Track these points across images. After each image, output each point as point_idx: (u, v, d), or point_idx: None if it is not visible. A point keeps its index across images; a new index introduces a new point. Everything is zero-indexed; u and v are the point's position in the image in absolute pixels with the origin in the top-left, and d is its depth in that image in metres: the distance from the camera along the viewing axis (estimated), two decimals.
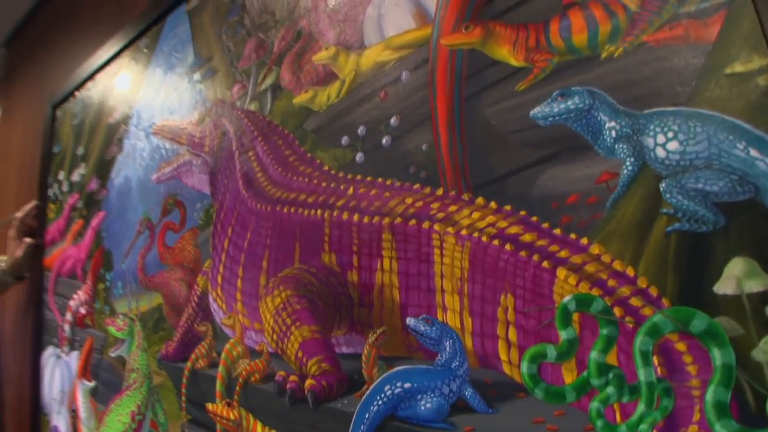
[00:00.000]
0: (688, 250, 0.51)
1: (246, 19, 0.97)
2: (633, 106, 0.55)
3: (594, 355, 0.54)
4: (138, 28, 1.17)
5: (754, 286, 0.47)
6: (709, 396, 0.48)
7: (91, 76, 1.32)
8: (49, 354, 1.36)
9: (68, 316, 1.29)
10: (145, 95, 1.16)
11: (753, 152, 0.48)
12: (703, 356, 0.49)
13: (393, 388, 0.69)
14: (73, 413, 1.23)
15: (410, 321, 0.68)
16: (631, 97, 0.55)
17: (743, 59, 0.50)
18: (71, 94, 1.39)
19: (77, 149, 1.35)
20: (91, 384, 1.19)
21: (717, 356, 0.48)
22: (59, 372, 1.30)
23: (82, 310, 1.24)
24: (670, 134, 0.53)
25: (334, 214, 0.78)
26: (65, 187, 1.37)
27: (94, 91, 1.31)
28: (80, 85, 1.36)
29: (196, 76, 1.04)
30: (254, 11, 0.96)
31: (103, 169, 1.23)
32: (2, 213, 1.51)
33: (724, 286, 0.49)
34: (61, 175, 1.39)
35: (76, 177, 1.32)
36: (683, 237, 0.51)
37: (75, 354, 1.25)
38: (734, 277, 0.49)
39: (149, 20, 1.16)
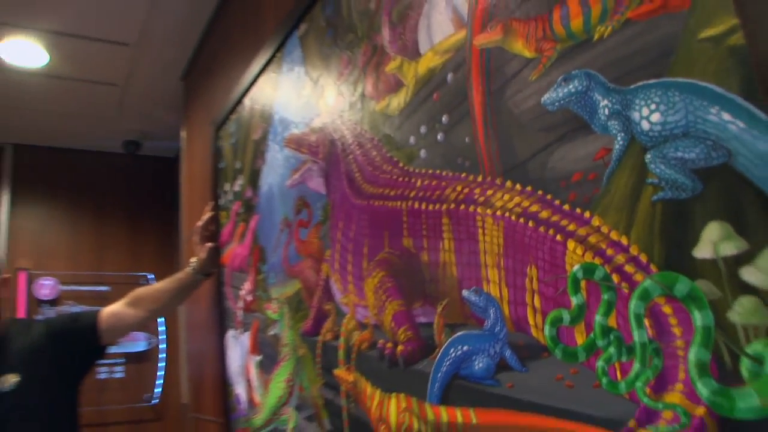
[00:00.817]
0: (671, 217, 0.54)
1: (338, 40, 1.11)
2: (623, 82, 0.58)
3: (598, 318, 0.59)
4: (266, 56, 1.39)
5: (728, 249, 0.50)
6: (692, 356, 0.51)
7: (239, 100, 1.58)
8: (229, 336, 1.66)
9: (240, 303, 1.56)
10: (278, 112, 1.37)
11: (725, 115, 0.50)
12: (686, 318, 0.52)
13: (456, 351, 0.79)
14: (248, 382, 1.50)
15: (464, 293, 0.77)
16: (621, 73, 0.59)
17: (715, 22, 0.51)
18: (228, 116, 1.67)
19: (235, 164, 1.62)
20: (259, 358, 1.44)
21: (698, 318, 0.51)
22: (237, 350, 1.59)
23: (249, 298, 1.50)
24: (653, 106, 0.55)
25: (408, 204, 0.89)
26: (230, 197, 1.65)
27: (243, 112, 1.57)
28: (233, 109, 1.63)
29: (309, 92, 1.22)
30: (342, 31, 1.10)
31: (254, 179, 1.48)
32: (196, 217, 1.88)
33: (702, 251, 0.51)
34: (227, 187, 1.68)
35: (236, 187, 1.60)
36: (667, 205, 0.54)
37: (246, 334, 1.53)
38: (710, 242, 0.51)
39: (275, 46, 1.36)
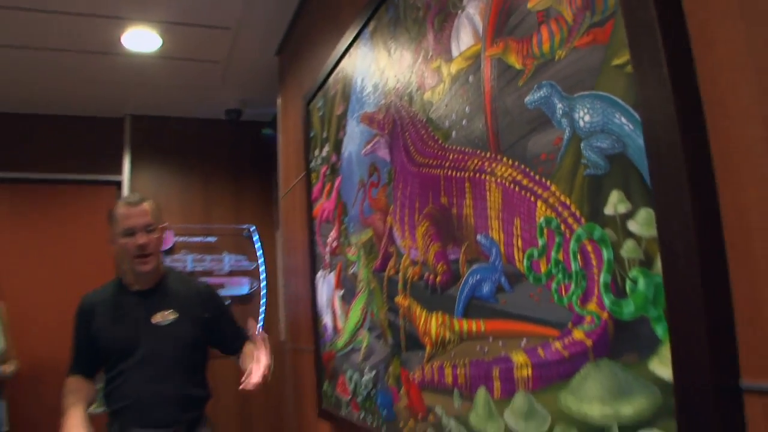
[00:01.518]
0: (593, 186, 0.80)
1: (397, 39, 1.40)
2: (571, 92, 0.84)
3: (552, 254, 0.87)
4: (345, 44, 1.70)
5: (621, 209, 0.76)
6: (601, 279, 0.79)
7: (325, 80, 1.90)
8: (319, 276, 2.04)
9: (327, 249, 1.92)
10: (354, 93, 1.68)
11: (623, 119, 0.76)
12: (599, 254, 0.79)
13: (472, 279, 1.08)
14: (333, 313, 1.87)
15: (478, 237, 1.06)
16: (570, 85, 0.84)
17: (620, 54, 0.76)
18: (316, 93, 2.00)
19: (323, 133, 1.95)
20: (342, 292, 1.80)
21: (605, 254, 0.78)
22: (325, 287, 1.97)
23: (334, 244, 1.85)
24: (585, 110, 0.81)
25: (444, 172, 1.18)
26: (319, 161, 2.00)
27: (328, 90, 1.89)
28: (320, 87, 1.95)
29: (378, 79, 1.52)
30: (400, 32, 1.38)
31: (338, 147, 1.81)
32: (291, 176, 2.23)
33: (608, 209, 0.78)
34: (316, 153, 2.02)
35: (324, 153, 1.94)
36: (591, 178, 0.80)
37: (332, 274, 1.89)
38: (613, 204, 0.77)
39: (351, 38, 1.66)
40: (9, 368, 2.75)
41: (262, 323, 3.44)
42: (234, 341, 1.95)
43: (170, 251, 3.38)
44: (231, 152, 3.56)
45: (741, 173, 0.64)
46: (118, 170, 3.44)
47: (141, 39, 2.60)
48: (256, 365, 1.67)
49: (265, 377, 1.66)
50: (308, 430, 2.27)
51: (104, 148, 3.45)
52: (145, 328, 1.82)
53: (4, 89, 3.08)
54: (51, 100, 3.25)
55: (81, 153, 3.43)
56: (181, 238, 3.43)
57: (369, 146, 1.58)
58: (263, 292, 3.47)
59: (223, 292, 3.35)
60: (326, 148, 1.93)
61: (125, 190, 3.40)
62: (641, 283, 0.73)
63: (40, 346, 3.16)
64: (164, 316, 1.85)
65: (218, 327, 1.93)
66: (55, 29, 2.48)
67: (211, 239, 3.46)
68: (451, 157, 1.16)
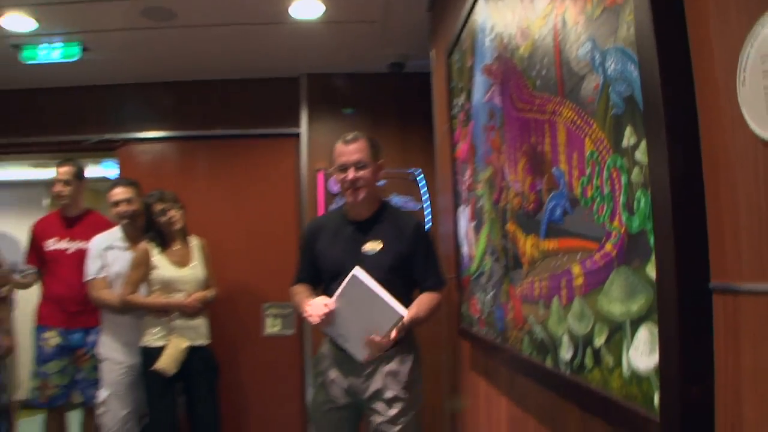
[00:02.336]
0: (616, 123, 0.97)
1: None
2: (603, 45, 0.99)
3: (594, 181, 1.05)
4: (469, 5, 1.90)
5: (631, 141, 0.92)
6: (621, 199, 0.96)
7: (459, 35, 2.11)
8: (459, 211, 2.30)
9: (464, 186, 2.18)
10: (477, 47, 1.88)
11: (631, 66, 0.91)
12: (620, 179, 0.96)
13: (550, 205, 1.28)
14: (468, 242, 2.14)
15: (553, 170, 1.25)
16: (602, 39, 1.00)
17: (629, 10, 0.91)
18: (454, 47, 2.22)
19: (459, 84, 2.18)
20: (474, 222, 2.06)
21: (623, 179, 0.95)
22: (463, 220, 2.23)
23: (468, 182, 2.10)
24: (612, 60, 0.97)
25: (533, 115, 1.37)
26: (458, 109, 2.23)
27: (462, 45, 2.10)
28: (456, 41, 2.16)
29: (492, 37, 1.70)
30: None
31: (469, 95, 2.02)
32: (441, 127, 2.49)
33: (624, 142, 0.94)
34: (455, 101, 2.25)
35: (461, 102, 2.16)
36: (615, 117, 0.97)
37: (468, 208, 2.14)
38: (627, 137, 0.93)
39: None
40: (211, 293, 3.44)
41: None
42: (422, 281, 2.13)
43: (338, 194, 3.85)
44: (396, 102, 3.89)
45: (717, 112, 0.78)
46: (297, 124, 3.94)
47: (306, 8, 3.00)
48: (385, 336, 1.92)
49: (377, 345, 1.94)
50: (455, 347, 2.60)
51: (284, 105, 3.96)
52: (354, 256, 2.09)
53: (201, 61, 3.70)
54: (237, 67, 3.82)
55: (264, 110, 3.98)
56: None
57: (488, 94, 1.79)
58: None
59: None
60: (462, 97, 2.16)
61: (303, 141, 3.92)
62: (642, 202, 0.89)
63: (232, 275, 3.78)
64: (372, 246, 2.11)
65: (412, 263, 2.11)
66: (237, 7, 2.98)
67: (380, 183, 3.86)
68: (536, 102, 1.35)
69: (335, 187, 3.78)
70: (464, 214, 2.22)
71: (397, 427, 2.11)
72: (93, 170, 6.00)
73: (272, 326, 3.89)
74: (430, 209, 3.77)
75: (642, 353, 0.91)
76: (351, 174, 2.08)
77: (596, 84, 1.03)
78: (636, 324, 0.93)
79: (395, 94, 3.90)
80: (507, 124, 1.60)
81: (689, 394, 0.81)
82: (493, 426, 1.98)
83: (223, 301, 3.56)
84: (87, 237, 3.43)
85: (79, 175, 3.47)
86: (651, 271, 0.88)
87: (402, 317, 1.91)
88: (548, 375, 1.33)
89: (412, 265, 2.13)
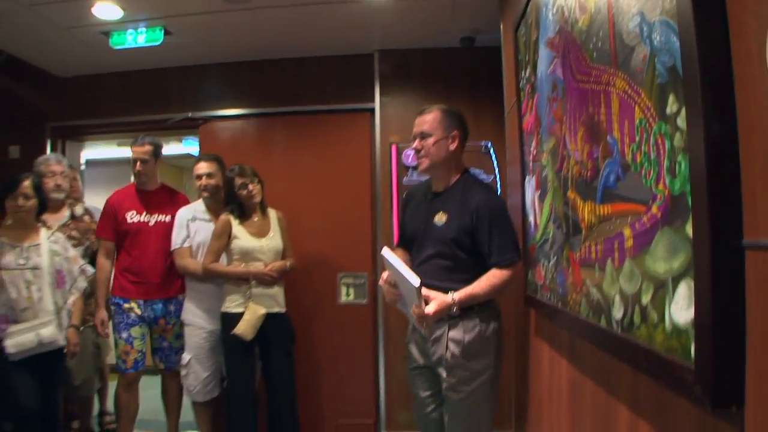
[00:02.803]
0: (661, 90, 1.02)
1: None
2: (650, 17, 1.04)
3: (643, 147, 1.11)
4: None
5: (674, 109, 0.97)
6: (665, 164, 1.02)
7: (525, 10, 2.15)
8: (526, 181, 2.35)
9: (530, 157, 2.23)
10: (542, 21, 1.92)
11: (674, 38, 0.96)
12: (664, 144, 1.01)
13: (605, 171, 1.34)
14: (534, 212, 2.20)
15: (608, 137, 1.31)
16: (650, 12, 1.04)
17: None
18: (520, 21, 2.25)
19: (526, 57, 2.22)
20: (539, 192, 2.11)
21: (667, 144, 1.01)
22: (530, 190, 2.28)
23: (534, 152, 2.15)
24: (657, 32, 1.02)
25: (590, 86, 1.42)
26: (524, 81, 2.27)
27: (527, 19, 2.14)
28: (522, 15, 2.20)
29: (554, 12, 1.74)
30: None
31: (535, 68, 2.06)
32: (510, 99, 2.53)
33: (668, 109, 0.99)
34: (522, 74, 2.29)
35: (527, 74, 2.21)
36: (660, 85, 1.02)
37: (533, 178, 2.20)
38: (670, 104, 0.99)
39: None
40: (288, 263, 3.65)
41: None
42: (488, 257, 2.15)
43: (416, 167, 3.94)
44: (468, 76, 3.92)
45: (751, 80, 0.83)
46: (371, 98, 4.05)
47: None
48: (417, 307, 2.01)
49: (417, 317, 2.04)
50: (521, 314, 2.67)
51: (358, 80, 4.08)
52: (427, 226, 2.24)
53: (277, 40, 3.87)
54: (312, 45, 3.97)
55: (338, 86, 4.11)
56: None
57: (551, 67, 1.83)
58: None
59: None
60: (528, 70, 2.21)
61: (377, 115, 4.05)
62: (683, 166, 0.95)
63: (308, 246, 3.96)
64: (439, 218, 2.21)
65: (476, 238, 2.15)
66: None
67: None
68: (593, 73, 1.40)
69: (408, 160, 3.90)
70: (530, 185, 2.28)
71: (459, 395, 2.21)
72: (175, 147, 6.40)
73: (346, 295, 4.06)
74: (500, 181, 3.82)
75: (681, 308, 0.98)
76: (416, 143, 2.21)
77: (644, 55, 1.08)
78: (677, 280, 0.99)
79: (467, 68, 3.94)
80: (568, 95, 1.65)
81: (721, 344, 0.87)
82: (554, 390, 2.06)
83: (299, 270, 3.75)
84: (164, 211, 3.58)
85: (156, 153, 3.59)
86: (689, 230, 0.94)
87: (416, 287, 1.95)
88: (602, 334, 1.40)
89: (477, 240, 2.16)
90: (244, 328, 3.29)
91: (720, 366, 0.87)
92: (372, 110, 4.08)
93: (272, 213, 3.65)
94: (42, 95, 4.49)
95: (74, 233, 3.61)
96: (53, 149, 4.48)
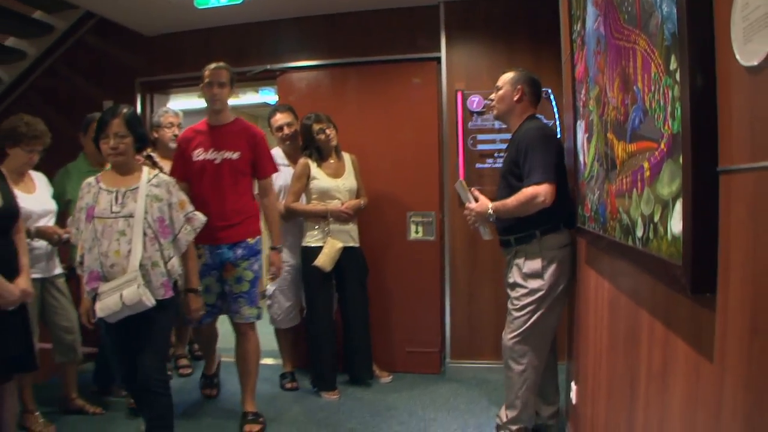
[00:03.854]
0: (667, 52, 1.28)
1: None
2: None
3: (656, 95, 1.38)
4: None
5: (674, 66, 1.24)
6: (668, 109, 1.29)
7: None
8: (578, 125, 2.60)
9: (581, 103, 2.48)
10: None
11: (674, 7, 1.22)
12: (669, 94, 1.29)
13: (632, 115, 1.62)
14: (583, 152, 2.46)
15: (634, 87, 1.58)
16: None
17: None
18: None
19: (577, 12, 2.43)
20: (587, 135, 2.37)
21: (670, 94, 1.28)
22: (580, 133, 2.54)
23: (584, 99, 2.40)
24: (666, 3, 1.28)
25: (623, 43, 1.68)
26: (575, 35, 2.49)
27: None
28: None
29: None
30: None
31: (584, 23, 2.29)
32: (566, 50, 2.75)
33: (670, 66, 1.26)
34: (575, 28, 2.51)
35: (578, 28, 2.43)
36: (667, 47, 1.28)
37: (583, 122, 2.45)
38: (672, 62, 1.25)
39: None
40: (362, 201, 4.01)
41: None
42: (524, 179, 2.69)
43: (481, 113, 4.21)
44: (530, 24, 4.09)
45: (726, 43, 1.09)
46: (437, 48, 4.29)
47: None
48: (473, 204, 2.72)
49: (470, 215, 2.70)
50: (574, 244, 2.96)
51: (424, 30, 4.32)
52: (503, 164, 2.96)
53: None
54: None
55: (406, 37, 4.37)
56: (490, 101, 4.21)
57: (596, 23, 2.07)
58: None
59: None
60: (579, 24, 2.43)
61: (443, 63, 4.28)
62: (678, 111, 1.23)
63: (379, 186, 4.32)
64: (504, 155, 2.95)
65: (520, 165, 2.72)
66: None
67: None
68: (625, 33, 1.65)
69: (473, 105, 4.17)
70: (581, 128, 2.54)
71: (518, 313, 2.76)
72: (252, 97, 6.84)
73: (415, 232, 4.41)
74: (560, 126, 4.02)
75: (677, 221, 1.27)
76: (492, 94, 2.90)
77: (657, 21, 1.34)
78: (674, 200, 1.28)
79: (528, 17, 4.11)
80: (608, 50, 1.90)
81: (699, 246, 1.17)
82: (599, 309, 2.37)
83: (371, 209, 4.14)
84: (234, 147, 3.23)
85: (232, 79, 3.31)
86: (681, 160, 1.23)
87: (459, 180, 2.94)
88: (630, 252, 1.70)
89: (520, 166, 2.70)
90: (323, 260, 3.70)
91: (697, 263, 1.17)
92: (438, 59, 4.33)
93: (346, 156, 4.00)
94: (131, 53, 5.01)
95: None
96: (142, 102, 5.01)
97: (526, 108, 2.91)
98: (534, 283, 2.75)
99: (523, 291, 2.78)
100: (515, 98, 2.87)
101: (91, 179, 2.74)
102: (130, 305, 2.49)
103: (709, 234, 1.15)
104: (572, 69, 2.67)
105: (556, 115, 4.03)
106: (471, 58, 4.28)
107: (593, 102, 2.22)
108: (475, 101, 4.19)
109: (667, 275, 1.35)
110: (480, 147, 4.22)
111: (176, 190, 2.79)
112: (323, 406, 3.72)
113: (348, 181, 3.92)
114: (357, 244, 3.94)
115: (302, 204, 3.87)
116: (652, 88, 1.41)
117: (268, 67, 4.69)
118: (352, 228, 3.91)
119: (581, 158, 2.56)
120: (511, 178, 2.77)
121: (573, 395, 2.88)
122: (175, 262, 2.72)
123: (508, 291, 2.90)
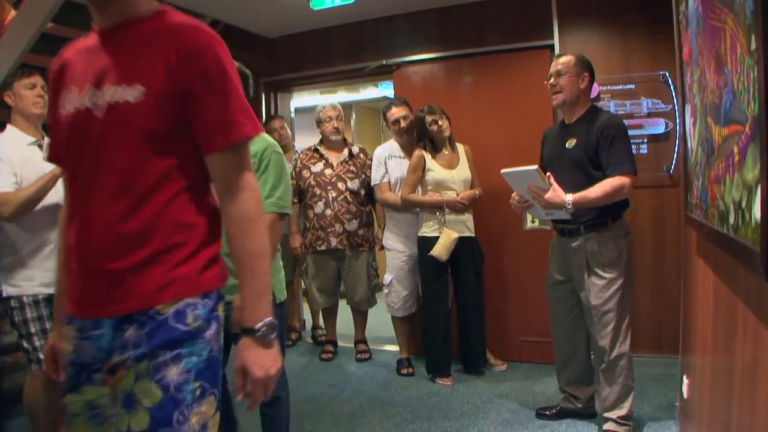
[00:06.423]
0: (748, 33, 1.24)
1: None
2: None
3: (742, 77, 1.34)
4: None
5: (754, 46, 1.21)
6: (750, 91, 1.26)
7: None
8: (686, 109, 2.49)
9: (687, 86, 2.38)
10: None
11: None
12: (751, 75, 1.25)
13: (724, 98, 1.57)
14: (690, 137, 2.36)
15: (725, 69, 1.53)
16: None
17: None
18: None
19: None
20: (693, 119, 2.27)
21: (752, 74, 1.24)
22: (688, 116, 2.43)
23: (689, 81, 2.30)
24: None
25: (716, 24, 1.62)
26: (681, 15, 2.39)
27: None
28: None
29: None
30: None
31: (687, 4, 2.21)
32: (677, 28, 2.66)
33: (752, 46, 1.22)
34: (680, 8, 2.41)
35: (682, 9, 2.33)
36: (748, 27, 1.25)
37: (690, 106, 2.35)
38: (752, 43, 1.22)
39: None
40: (477, 191, 4.04)
41: (675, 157, 3.88)
42: (605, 169, 2.65)
43: (596, 99, 4.07)
44: (643, 8, 3.91)
45: None
46: (550, 36, 4.21)
47: None
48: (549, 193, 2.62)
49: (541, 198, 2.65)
50: (682, 233, 2.84)
51: (536, 19, 4.24)
52: (559, 150, 2.83)
53: None
54: None
55: (518, 26, 4.31)
56: (605, 87, 4.06)
57: (696, 3, 1.99)
58: (678, 131, 3.86)
59: (641, 132, 3.93)
60: (683, 5, 2.33)
61: (556, 52, 4.18)
62: (758, 92, 1.20)
63: (493, 177, 4.08)
64: (570, 143, 2.75)
65: (599, 154, 2.66)
66: None
67: (630, 86, 3.99)
68: (718, 12, 1.59)
69: (593, 93, 4.07)
70: (688, 112, 2.43)
71: (598, 302, 2.70)
72: (372, 92, 7.07)
73: (532, 222, 4.35)
74: (678, 110, 3.82)
75: (758, 207, 1.24)
76: (552, 80, 2.75)
77: (740, 2, 1.30)
78: (757, 185, 1.25)
79: (643, 0, 3.94)
80: (705, 31, 1.83)
81: None
82: (705, 295, 2.28)
83: (486, 199, 4.15)
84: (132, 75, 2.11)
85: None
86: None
87: (535, 169, 2.66)
88: (724, 239, 1.64)
89: (599, 155, 2.62)
90: (439, 250, 3.79)
91: None
92: (552, 47, 4.26)
93: (460, 147, 4.06)
94: (254, 55, 5.34)
95: (352, 168, 4.38)
96: (267, 101, 5.36)
97: (588, 96, 2.88)
98: (612, 273, 2.71)
99: (602, 282, 2.73)
100: (582, 86, 2.81)
101: None
102: None
103: None
104: (680, 51, 2.56)
105: (675, 100, 3.82)
106: (584, 45, 4.15)
107: (696, 85, 2.13)
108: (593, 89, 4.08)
109: (750, 262, 1.31)
110: None
111: None
112: (437, 391, 3.82)
113: (462, 171, 3.97)
114: (473, 234, 3.98)
115: (419, 195, 3.98)
116: (739, 70, 1.37)
117: (384, 62, 4.83)
118: (468, 218, 3.96)
119: (689, 144, 2.45)
120: (590, 167, 2.70)
121: (684, 389, 2.77)
122: None
123: (582, 283, 2.79)
